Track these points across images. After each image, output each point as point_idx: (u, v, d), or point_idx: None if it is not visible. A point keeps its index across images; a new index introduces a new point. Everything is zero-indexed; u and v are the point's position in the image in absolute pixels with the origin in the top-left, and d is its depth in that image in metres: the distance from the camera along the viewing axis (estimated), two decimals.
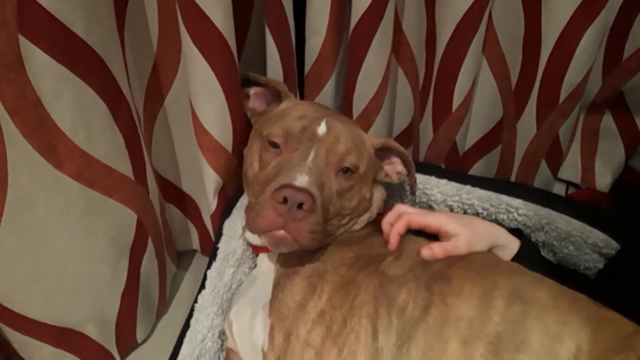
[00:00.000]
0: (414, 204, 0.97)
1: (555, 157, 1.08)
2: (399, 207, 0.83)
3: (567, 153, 1.19)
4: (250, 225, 0.73)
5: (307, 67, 0.92)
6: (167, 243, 1.01)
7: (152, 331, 1.00)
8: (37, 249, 0.74)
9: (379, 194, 0.88)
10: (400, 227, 0.80)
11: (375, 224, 0.87)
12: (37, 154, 0.68)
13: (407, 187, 0.96)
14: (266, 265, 0.84)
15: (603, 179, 1.18)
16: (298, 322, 0.71)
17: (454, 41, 0.90)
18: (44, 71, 0.63)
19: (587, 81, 0.97)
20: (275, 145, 0.78)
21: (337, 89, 0.95)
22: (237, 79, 0.80)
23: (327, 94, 0.95)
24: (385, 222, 0.82)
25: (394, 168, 0.89)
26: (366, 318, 0.70)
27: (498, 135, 1.09)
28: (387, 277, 0.75)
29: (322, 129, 0.77)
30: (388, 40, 0.88)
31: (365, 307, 0.71)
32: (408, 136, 1.10)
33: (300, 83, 0.96)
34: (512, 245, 0.83)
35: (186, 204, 1.04)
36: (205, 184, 0.90)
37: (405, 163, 0.87)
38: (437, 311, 0.71)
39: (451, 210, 0.93)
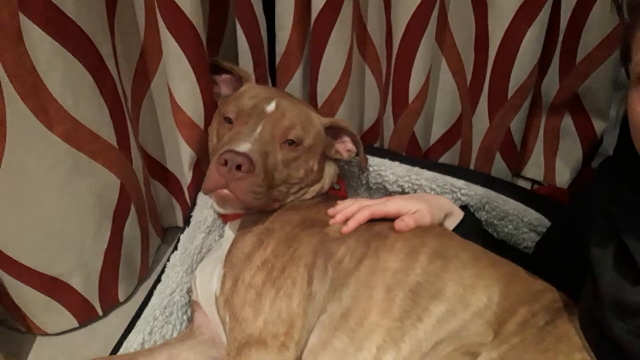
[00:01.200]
0: (369, 183, 1.07)
1: (510, 151, 1.16)
2: (361, 201, 0.92)
3: (529, 150, 1.27)
4: (202, 186, 0.85)
5: (278, 58, 1.05)
6: (152, 216, 1.13)
7: (133, 293, 1.11)
8: (28, 200, 0.87)
9: (331, 169, 0.98)
10: (362, 218, 0.88)
11: (326, 196, 0.97)
12: (31, 114, 0.81)
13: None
14: (230, 232, 0.95)
15: (563, 176, 1.26)
16: (244, 269, 0.81)
17: (406, 39, 1.01)
18: (39, 44, 0.77)
19: (533, 79, 1.06)
20: (229, 120, 0.90)
21: (304, 79, 1.08)
22: (206, 61, 0.93)
23: (296, 83, 1.07)
24: (343, 214, 0.89)
25: (345, 146, 0.99)
26: (303, 267, 0.80)
27: (458, 130, 1.18)
28: (329, 236, 0.85)
29: (271, 107, 0.89)
30: (347, 34, 1.00)
31: (303, 258, 0.81)
32: (377, 129, 1.21)
33: (273, 73, 1.09)
34: (457, 213, 0.93)
35: (170, 182, 1.16)
36: (181, 158, 1.02)
37: (354, 141, 0.98)
38: (369, 262, 0.81)
39: (402, 190, 1.03)
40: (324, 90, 1.05)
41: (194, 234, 1.00)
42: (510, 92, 1.07)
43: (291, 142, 0.89)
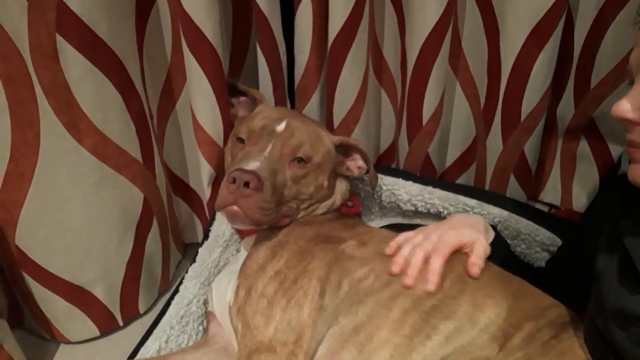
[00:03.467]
0: (382, 202, 1.09)
1: (524, 173, 1.17)
2: (415, 240, 0.88)
3: (546, 175, 1.28)
4: (215, 204, 0.89)
5: (296, 81, 1.10)
6: (173, 231, 1.18)
7: (153, 305, 1.15)
8: (58, 210, 0.93)
9: (342, 185, 1.01)
10: (439, 265, 0.83)
11: (339, 213, 1.00)
12: (63, 128, 0.87)
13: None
14: (246, 246, 0.98)
15: (580, 200, 1.26)
16: (257, 279, 0.84)
17: (419, 62, 1.05)
18: (72, 62, 0.84)
19: (546, 101, 1.08)
20: (241, 140, 0.95)
21: (321, 101, 1.12)
22: (225, 83, 0.99)
23: (314, 104, 1.11)
24: (403, 265, 0.85)
25: (355, 163, 1.02)
26: (316, 279, 0.82)
27: (473, 153, 1.20)
28: (346, 254, 0.87)
29: (281, 126, 0.93)
30: (362, 58, 1.05)
31: (316, 271, 0.83)
32: (393, 152, 1.24)
33: (292, 95, 1.13)
34: (491, 233, 0.93)
35: (192, 199, 1.21)
36: (201, 175, 1.06)
37: (363, 158, 1.01)
38: (396, 287, 0.82)
39: (416, 208, 1.05)
40: (340, 112, 1.09)
41: (212, 247, 1.04)
42: (523, 115, 1.09)
43: (300, 160, 0.92)
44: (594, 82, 1.15)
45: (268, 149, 0.90)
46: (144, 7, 0.96)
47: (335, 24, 0.99)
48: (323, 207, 0.99)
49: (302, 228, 0.93)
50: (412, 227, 1.05)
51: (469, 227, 0.89)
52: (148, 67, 0.99)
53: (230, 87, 1.05)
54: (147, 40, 0.98)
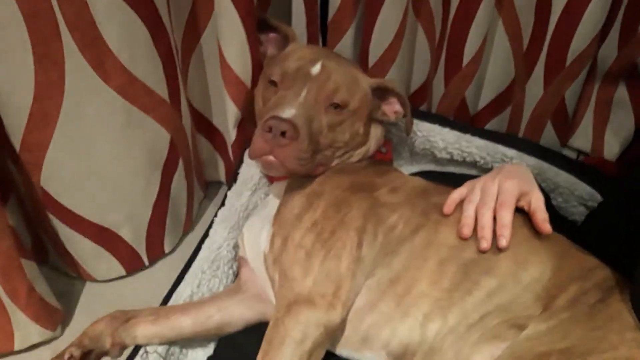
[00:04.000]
0: (414, 148, 1.06)
1: (562, 120, 1.13)
2: (474, 197, 0.83)
3: (578, 120, 1.24)
4: (248, 151, 0.85)
5: (330, 15, 1.02)
6: (197, 170, 1.14)
7: (178, 245, 1.14)
8: (84, 151, 0.88)
9: (377, 131, 0.97)
10: (510, 219, 0.79)
11: (373, 160, 0.97)
12: (89, 67, 0.81)
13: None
14: (276, 191, 0.95)
15: (611, 149, 1.22)
16: (294, 229, 0.82)
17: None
18: None
19: (594, 48, 1.02)
20: (274, 84, 0.89)
21: (356, 38, 1.05)
22: (255, 16, 0.91)
23: (347, 42, 1.04)
24: (469, 219, 0.82)
25: (392, 107, 0.97)
26: (354, 231, 0.80)
27: (509, 96, 1.15)
28: (380, 202, 0.85)
29: (316, 69, 0.87)
30: None
31: (354, 222, 0.81)
32: (425, 92, 1.19)
33: (324, 31, 1.06)
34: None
35: (215, 137, 1.16)
36: (227, 115, 1.01)
37: (401, 103, 0.96)
38: (425, 234, 0.81)
39: (451, 157, 1.02)
40: (376, 51, 1.02)
41: (241, 191, 1.01)
42: (569, 60, 1.03)
43: (336, 106, 0.87)
44: None
45: (303, 94, 0.85)
46: None
47: None
48: (357, 154, 0.95)
49: (338, 177, 0.90)
50: (445, 175, 1.03)
51: (523, 178, 0.86)
52: None
53: (259, 22, 0.98)
54: None
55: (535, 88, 1.10)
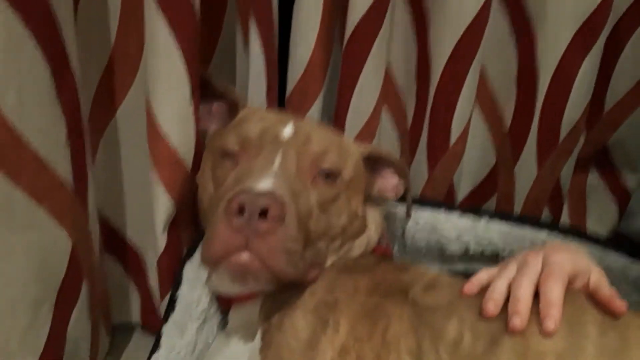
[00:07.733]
0: (413, 241, 0.81)
1: (557, 205, 0.98)
2: (508, 271, 0.60)
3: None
4: (203, 255, 0.55)
5: (291, 85, 0.80)
6: (101, 305, 0.76)
7: None
8: None
9: (376, 214, 0.72)
10: (559, 295, 0.56)
11: (376, 254, 0.70)
12: None
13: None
14: (244, 318, 0.64)
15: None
16: None
17: (451, 64, 0.82)
18: None
19: (585, 116, 0.92)
20: (230, 156, 0.63)
21: (325, 109, 0.83)
22: (199, 70, 0.67)
23: (314, 114, 0.81)
24: (497, 300, 0.57)
25: (389, 182, 0.74)
26: (407, 354, 0.51)
27: (492, 184, 0.98)
28: (422, 306, 0.57)
29: (287, 131, 0.63)
30: (385, 51, 0.79)
31: (402, 340, 0.52)
32: None
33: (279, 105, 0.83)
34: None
35: (128, 258, 0.81)
36: (154, 213, 0.70)
37: (399, 174, 0.74)
38: (511, 343, 0.53)
39: (467, 248, 0.78)
40: (355, 122, 0.80)
41: (184, 322, 0.66)
42: (563, 134, 0.90)
43: (327, 175, 0.63)
44: (608, 106, 1.01)
45: (277, 161, 0.60)
46: None
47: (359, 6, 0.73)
48: (358, 246, 0.68)
49: (349, 276, 0.61)
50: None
51: (576, 253, 0.64)
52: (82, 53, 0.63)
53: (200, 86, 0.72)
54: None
55: (527, 170, 0.94)
